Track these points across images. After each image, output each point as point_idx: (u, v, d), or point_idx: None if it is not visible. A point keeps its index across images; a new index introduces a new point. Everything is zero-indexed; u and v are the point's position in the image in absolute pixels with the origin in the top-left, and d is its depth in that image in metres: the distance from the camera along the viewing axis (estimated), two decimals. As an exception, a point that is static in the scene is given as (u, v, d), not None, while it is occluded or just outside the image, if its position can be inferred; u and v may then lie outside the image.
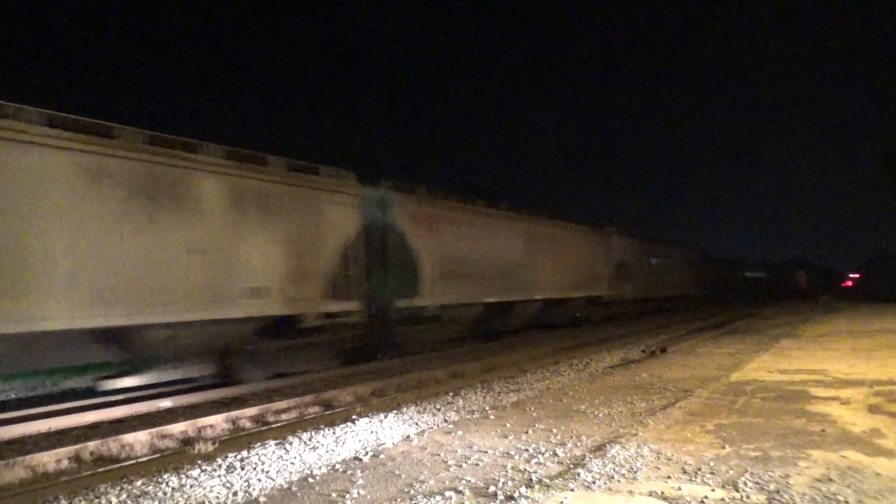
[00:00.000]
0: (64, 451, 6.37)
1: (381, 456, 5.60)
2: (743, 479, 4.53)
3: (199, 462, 5.83)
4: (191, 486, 5.10)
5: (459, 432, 6.39)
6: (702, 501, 4.16)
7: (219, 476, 5.34)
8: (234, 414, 8.13)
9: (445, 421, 7.21)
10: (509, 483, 4.67)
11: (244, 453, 6.05)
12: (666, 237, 34.17)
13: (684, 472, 4.75)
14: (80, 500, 5.01)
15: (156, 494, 4.95)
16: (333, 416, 8.13)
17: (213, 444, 6.62)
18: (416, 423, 7.17)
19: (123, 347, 8.87)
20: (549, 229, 20.00)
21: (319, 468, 5.36)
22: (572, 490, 4.45)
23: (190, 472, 5.47)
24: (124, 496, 4.97)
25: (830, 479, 4.47)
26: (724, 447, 5.39)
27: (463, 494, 4.47)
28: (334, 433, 6.80)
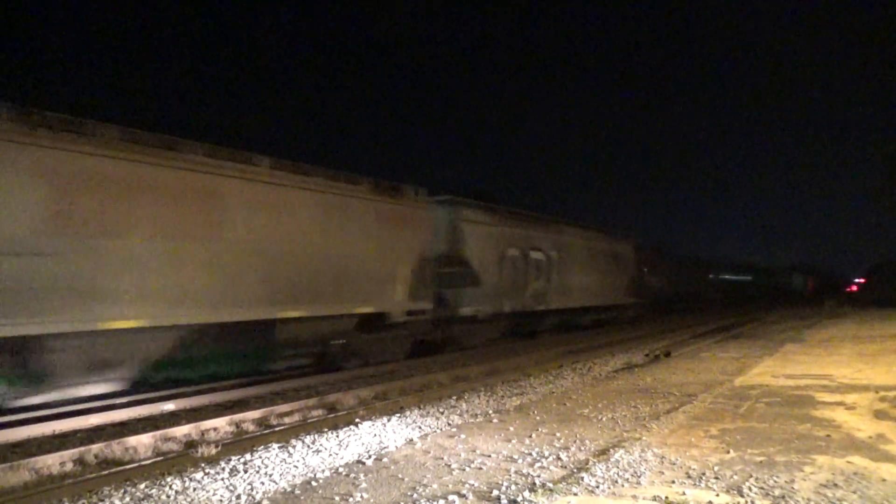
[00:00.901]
0: (68, 454, 6.38)
1: (385, 459, 5.59)
2: (747, 484, 4.51)
3: (203, 465, 5.83)
4: (194, 489, 5.10)
5: (463, 436, 6.38)
6: (706, 506, 4.14)
7: (222, 479, 5.34)
8: (237, 417, 8.13)
9: (449, 424, 7.20)
10: (513, 487, 4.66)
11: (247, 456, 6.05)
12: (569, 219, 21.99)
13: (688, 476, 4.73)
14: (83, 503, 5.01)
15: (159, 497, 4.95)
16: (336, 419, 8.12)
17: (217, 446, 6.62)
18: (420, 427, 7.17)
19: None
20: (184, 179, 9.07)
21: (322, 471, 5.36)
22: (576, 494, 4.44)
23: (193, 475, 5.47)
24: (128, 499, 4.97)
25: (836, 485, 4.45)
26: (728, 452, 5.37)
27: (466, 499, 4.46)
28: (337, 436, 6.79)
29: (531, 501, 4.32)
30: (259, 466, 5.68)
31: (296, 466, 5.66)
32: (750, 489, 4.40)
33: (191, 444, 7.00)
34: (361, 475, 5.13)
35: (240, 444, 6.89)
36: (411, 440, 6.34)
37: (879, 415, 6.71)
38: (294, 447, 6.40)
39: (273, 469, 5.59)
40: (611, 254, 23.96)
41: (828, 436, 5.85)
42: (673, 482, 4.61)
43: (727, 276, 47.41)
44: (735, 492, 4.36)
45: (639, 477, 4.75)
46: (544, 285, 18.82)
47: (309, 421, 8.15)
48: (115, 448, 6.69)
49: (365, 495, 4.62)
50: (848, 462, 5.00)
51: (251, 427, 7.99)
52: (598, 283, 22.69)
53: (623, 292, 25.07)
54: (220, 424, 7.86)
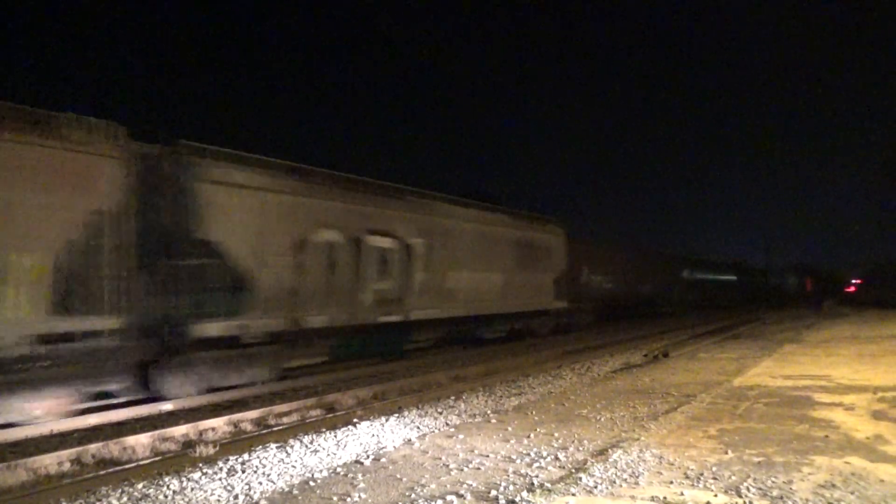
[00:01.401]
0: (66, 454, 6.37)
1: (383, 459, 5.59)
2: (746, 484, 4.51)
3: (201, 465, 5.82)
4: (192, 489, 5.09)
5: (461, 436, 6.38)
6: (704, 507, 4.14)
7: (220, 479, 5.33)
8: (235, 417, 8.13)
9: (447, 424, 7.20)
10: (511, 487, 4.66)
11: (245, 456, 6.04)
12: (449, 195, 15.74)
13: (687, 477, 4.73)
14: (81, 503, 5.00)
15: (157, 497, 4.94)
16: (335, 419, 8.12)
17: (215, 446, 6.62)
18: (418, 427, 7.16)
19: None
20: None
21: (321, 471, 5.35)
22: (574, 495, 4.43)
23: (191, 475, 5.47)
24: (125, 499, 4.96)
25: (834, 486, 4.45)
26: (726, 452, 5.37)
27: (464, 499, 4.46)
28: (335, 436, 6.79)
29: (529, 502, 4.32)
30: (257, 466, 5.67)
31: (294, 466, 5.65)
32: (748, 489, 4.40)
33: (189, 444, 6.99)
34: (359, 475, 5.12)
35: (238, 444, 6.89)
36: (409, 440, 6.34)
37: (878, 415, 6.71)
38: (292, 447, 6.39)
39: (271, 469, 5.58)
40: (525, 244, 17.90)
41: (826, 436, 5.85)
42: (671, 482, 4.61)
43: (706, 276, 39.74)
44: (733, 492, 4.36)
45: (637, 477, 4.75)
46: (398, 286, 13.13)
47: (307, 421, 8.14)
48: (112, 448, 6.68)
49: (363, 495, 4.62)
50: (846, 463, 5.00)
51: (249, 427, 7.99)
52: (504, 282, 16.83)
53: (548, 295, 18.99)
54: (219, 424, 7.85)
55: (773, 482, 4.55)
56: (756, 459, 5.15)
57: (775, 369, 10.47)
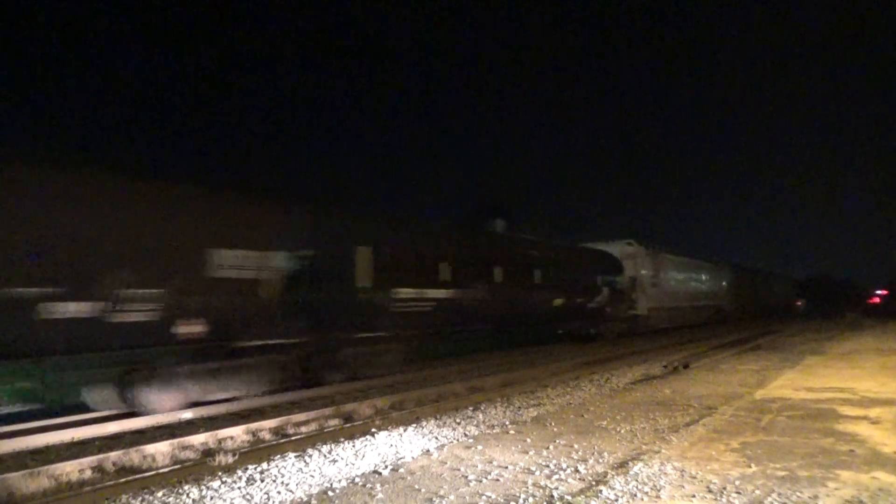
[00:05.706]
0: (87, 461, 6.43)
1: (401, 470, 5.57)
2: (770, 499, 4.43)
3: (220, 474, 5.85)
4: (211, 498, 5.11)
5: (479, 447, 6.34)
6: (728, 522, 4.07)
7: (239, 488, 5.35)
8: (254, 426, 8.15)
9: (465, 435, 7.16)
10: (530, 500, 4.62)
11: (264, 465, 6.06)
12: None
13: (709, 491, 4.66)
14: (102, 510, 5.04)
15: (176, 505, 4.97)
16: (353, 428, 8.11)
17: (234, 455, 6.64)
18: (436, 437, 7.14)
19: None
20: None
21: (339, 481, 5.35)
22: (594, 508, 4.38)
23: (210, 484, 5.49)
24: (145, 507, 4.99)
25: (861, 501, 4.36)
26: (749, 466, 5.28)
27: (483, 510, 4.42)
28: (354, 446, 6.79)
29: (549, 514, 4.27)
30: (275, 476, 5.69)
31: (312, 476, 5.66)
32: (772, 504, 4.32)
33: (208, 453, 7.02)
34: (378, 485, 5.11)
35: (256, 452, 6.90)
36: (428, 451, 6.32)
37: (905, 429, 6.57)
38: (310, 456, 6.40)
39: (289, 478, 5.59)
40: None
41: (851, 450, 5.74)
42: (693, 496, 4.54)
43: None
44: (757, 507, 4.28)
45: (658, 491, 4.69)
46: None
47: (325, 430, 8.15)
48: (133, 456, 6.73)
49: (381, 506, 4.60)
50: (873, 478, 4.90)
51: (268, 436, 8.01)
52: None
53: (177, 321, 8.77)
54: (237, 433, 7.88)
55: (798, 497, 4.47)
56: (780, 473, 5.06)
57: (798, 381, 10.31)
